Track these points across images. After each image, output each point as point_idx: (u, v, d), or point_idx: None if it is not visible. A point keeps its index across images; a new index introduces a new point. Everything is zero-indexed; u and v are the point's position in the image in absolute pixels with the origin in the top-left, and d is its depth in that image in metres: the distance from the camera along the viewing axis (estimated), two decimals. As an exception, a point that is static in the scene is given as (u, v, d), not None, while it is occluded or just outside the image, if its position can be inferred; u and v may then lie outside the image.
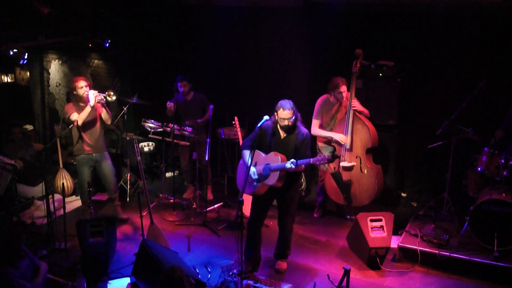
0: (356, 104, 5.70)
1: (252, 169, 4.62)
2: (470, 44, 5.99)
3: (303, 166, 4.50)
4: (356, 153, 5.79)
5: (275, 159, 4.58)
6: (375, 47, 6.37)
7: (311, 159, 4.44)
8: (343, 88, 5.67)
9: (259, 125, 4.62)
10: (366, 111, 5.84)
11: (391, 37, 6.38)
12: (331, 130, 5.91)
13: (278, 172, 4.55)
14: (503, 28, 5.79)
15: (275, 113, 4.64)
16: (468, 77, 5.85)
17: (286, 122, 4.58)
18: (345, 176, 5.84)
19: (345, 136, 5.73)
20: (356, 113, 5.73)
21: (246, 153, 4.80)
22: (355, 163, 5.79)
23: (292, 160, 4.44)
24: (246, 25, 7.18)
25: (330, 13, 6.49)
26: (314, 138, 6.09)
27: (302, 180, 6.76)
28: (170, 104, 6.37)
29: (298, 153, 4.58)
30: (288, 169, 4.46)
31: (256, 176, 4.65)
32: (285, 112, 4.55)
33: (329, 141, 5.96)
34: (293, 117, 4.58)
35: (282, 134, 4.71)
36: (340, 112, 5.86)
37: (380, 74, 6.20)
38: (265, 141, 4.71)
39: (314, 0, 6.72)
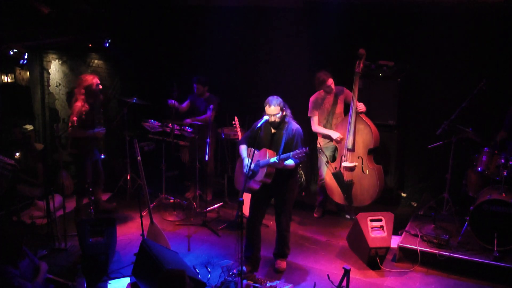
0: (362, 107, 5.72)
1: (247, 159, 4.68)
2: (470, 44, 5.99)
3: (288, 164, 4.52)
4: (358, 153, 5.79)
5: (264, 155, 4.64)
6: (375, 47, 6.37)
7: (291, 152, 4.46)
8: (330, 81, 5.76)
9: (258, 125, 4.64)
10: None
11: (391, 37, 6.39)
12: (331, 126, 5.93)
13: (266, 168, 4.59)
14: (503, 28, 5.79)
15: (264, 109, 4.69)
16: (468, 77, 5.86)
17: (272, 118, 4.64)
18: (346, 176, 5.85)
19: (339, 134, 5.75)
20: (359, 113, 5.74)
21: (243, 147, 4.86)
22: (357, 164, 5.79)
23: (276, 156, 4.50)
24: (246, 25, 7.19)
25: (330, 13, 6.49)
26: (315, 137, 6.11)
27: (302, 180, 6.77)
28: (172, 103, 6.39)
29: (289, 149, 4.59)
30: (272, 163, 4.51)
31: (253, 166, 4.67)
32: (271, 109, 4.61)
33: (330, 140, 5.96)
34: (279, 113, 4.62)
35: (273, 130, 4.75)
36: (338, 106, 5.89)
37: (380, 74, 6.21)
38: (261, 139, 4.76)
39: (314, 0, 6.72)
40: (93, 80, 5.81)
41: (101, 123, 6.02)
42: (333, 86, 5.80)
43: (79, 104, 5.80)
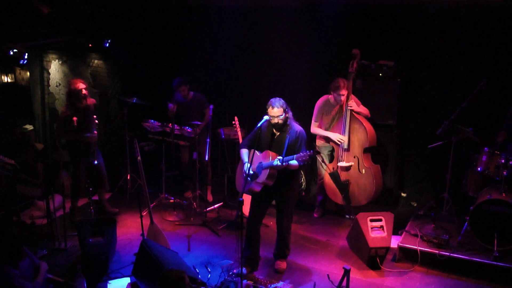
0: (353, 105, 5.70)
1: (247, 165, 4.69)
2: (470, 44, 5.99)
3: (291, 164, 4.52)
4: (353, 153, 5.79)
5: (267, 157, 4.64)
6: (375, 47, 6.37)
7: (295, 155, 4.46)
8: (344, 91, 5.67)
9: (258, 125, 4.65)
10: (365, 111, 5.83)
11: (391, 37, 6.38)
12: (330, 130, 5.91)
13: (268, 170, 4.59)
14: (503, 28, 5.79)
15: (267, 111, 4.67)
16: (468, 77, 5.85)
17: (275, 120, 4.64)
18: (343, 176, 5.84)
19: (342, 136, 5.73)
20: (353, 113, 5.73)
21: (244, 152, 4.87)
22: (353, 163, 5.79)
23: (279, 157, 4.50)
24: (246, 25, 7.18)
25: (330, 13, 6.49)
26: (313, 137, 6.11)
27: (302, 180, 6.77)
28: (171, 106, 6.41)
29: (292, 151, 4.58)
30: (275, 166, 4.50)
31: (251, 172, 4.68)
32: (274, 110, 4.60)
33: (328, 141, 5.96)
34: (282, 115, 4.61)
35: (276, 132, 4.74)
36: (341, 113, 5.86)
37: (380, 74, 6.20)
38: (262, 140, 4.76)
39: (314, 0, 6.72)
40: (76, 85, 5.72)
41: (94, 127, 5.88)
42: (343, 98, 5.70)
43: (63, 109, 5.80)
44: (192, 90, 6.63)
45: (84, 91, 5.75)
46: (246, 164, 4.72)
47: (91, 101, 5.95)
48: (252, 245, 4.95)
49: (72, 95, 5.73)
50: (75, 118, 5.77)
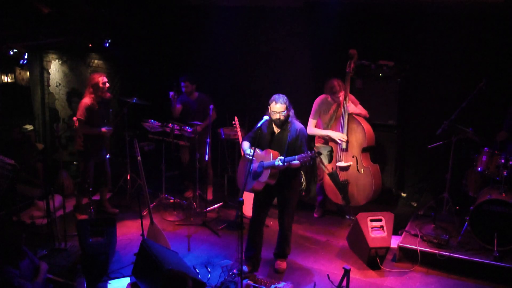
0: (351, 106, 5.69)
1: (250, 151, 4.64)
2: (470, 44, 6.00)
3: (293, 163, 4.50)
4: (352, 153, 5.79)
5: (268, 156, 4.63)
6: (375, 47, 6.38)
7: (296, 156, 4.45)
8: (341, 94, 5.68)
9: (258, 125, 4.64)
10: (364, 111, 5.83)
11: (391, 37, 6.39)
12: (329, 129, 5.91)
13: (270, 170, 4.58)
14: (503, 28, 5.80)
15: (268, 106, 4.65)
16: (468, 77, 5.86)
17: (277, 116, 4.60)
18: (342, 176, 5.84)
19: (342, 134, 5.72)
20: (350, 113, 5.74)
21: (245, 144, 4.83)
22: (351, 163, 5.79)
23: (280, 157, 4.48)
24: (246, 25, 7.19)
25: (330, 13, 6.50)
26: (312, 138, 6.10)
27: (302, 180, 6.77)
28: (173, 95, 6.40)
29: (293, 149, 4.58)
30: (277, 166, 4.49)
31: (256, 167, 4.66)
32: (277, 106, 4.57)
33: (326, 141, 5.96)
34: (285, 112, 4.60)
35: (276, 130, 4.73)
36: (339, 111, 5.86)
37: (380, 74, 6.21)
38: (263, 138, 4.75)
39: (314, 0, 6.72)
40: (99, 78, 5.86)
41: (109, 122, 6.05)
42: (341, 98, 5.71)
43: (85, 101, 5.85)
44: (198, 91, 6.64)
45: (107, 84, 5.91)
46: (248, 149, 4.68)
47: (107, 95, 6.05)
48: (254, 245, 4.95)
49: (96, 87, 5.83)
50: (74, 118, 5.80)
